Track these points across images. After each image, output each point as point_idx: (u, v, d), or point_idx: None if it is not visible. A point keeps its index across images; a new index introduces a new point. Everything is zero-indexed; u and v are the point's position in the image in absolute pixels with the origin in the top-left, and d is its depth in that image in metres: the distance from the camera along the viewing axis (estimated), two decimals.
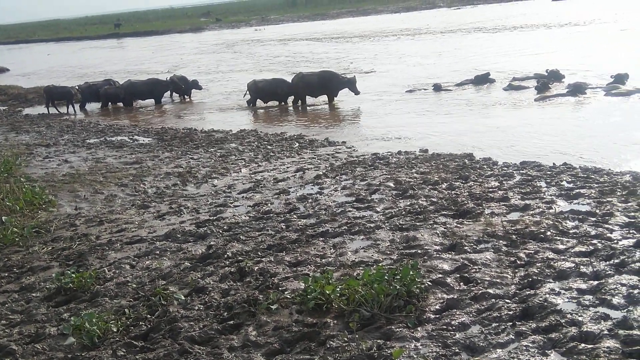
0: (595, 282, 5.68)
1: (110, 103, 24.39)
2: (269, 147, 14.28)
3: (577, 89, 17.11)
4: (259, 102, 21.35)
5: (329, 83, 20.41)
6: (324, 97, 20.88)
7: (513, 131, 13.65)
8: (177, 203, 10.11)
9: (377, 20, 63.82)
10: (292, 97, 21.21)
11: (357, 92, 20.07)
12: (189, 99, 24.95)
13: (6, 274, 7.54)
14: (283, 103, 21.35)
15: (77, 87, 24.51)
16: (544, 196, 8.59)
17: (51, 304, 6.53)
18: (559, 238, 6.90)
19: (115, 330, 5.63)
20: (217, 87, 26.56)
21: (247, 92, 21.43)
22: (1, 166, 12.66)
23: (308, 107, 20.47)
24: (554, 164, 10.40)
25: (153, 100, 24.14)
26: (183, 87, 24.59)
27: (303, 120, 18.37)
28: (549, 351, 4.65)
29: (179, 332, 5.50)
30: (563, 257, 6.38)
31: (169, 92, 24.98)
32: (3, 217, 9.28)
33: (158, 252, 7.76)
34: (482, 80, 20.91)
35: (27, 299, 6.71)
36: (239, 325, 5.57)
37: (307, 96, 20.94)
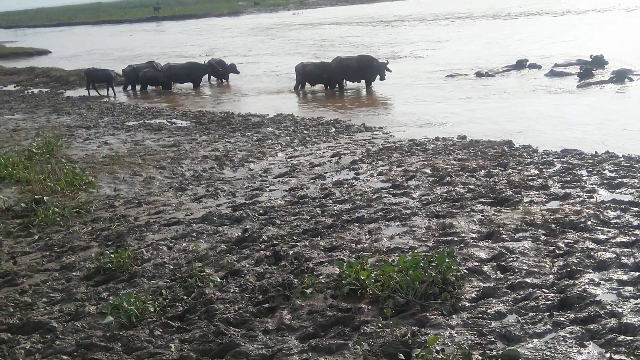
0: (637, 274, 5.55)
1: (149, 86, 24.66)
2: (305, 131, 14.28)
3: (621, 76, 16.69)
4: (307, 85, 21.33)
5: (368, 67, 20.30)
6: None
7: (554, 118, 13.40)
8: (213, 186, 10.19)
9: (418, 4, 63.04)
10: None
11: (383, 78, 19.95)
12: (226, 83, 25.07)
13: (47, 253, 7.70)
14: (329, 87, 21.31)
15: (121, 70, 24.85)
16: (585, 185, 8.43)
17: (90, 283, 6.66)
18: (599, 228, 6.76)
19: (152, 310, 5.71)
20: (254, 71, 26.59)
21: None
22: (43, 147, 12.93)
23: (347, 92, 20.38)
24: (595, 152, 10.18)
25: (191, 83, 24.31)
26: (221, 70, 24.69)
27: (340, 104, 18.31)
28: (587, 342, 4.57)
29: (214, 314, 5.55)
30: (603, 247, 6.25)
31: (207, 75, 25.13)
32: (45, 197, 9.47)
33: (195, 235, 7.84)
34: (523, 65, 20.55)
35: (68, 278, 6.85)
36: (274, 308, 5.60)
37: (346, 80, 20.88)
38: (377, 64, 20.28)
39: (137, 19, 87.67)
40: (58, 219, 8.86)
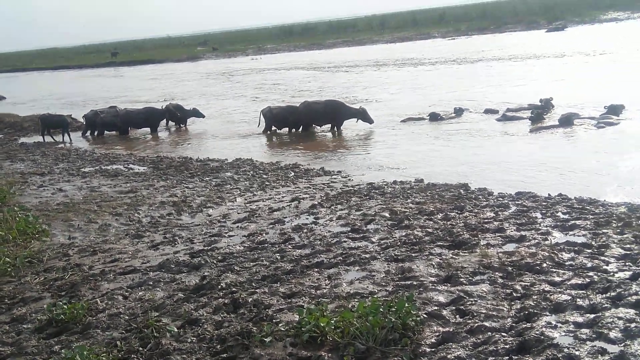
0: (592, 315, 5.63)
1: (107, 131, 24.42)
2: (264, 176, 14.27)
3: (567, 121, 17.17)
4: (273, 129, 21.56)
5: (335, 112, 20.60)
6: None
7: (508, 162, 13.69)
8: (171, 233, 10.05)
9: (373, 50, 64.39)
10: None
11: (371, 121, 20.30)
12: (184, 127, 25.01)
13: None
14: (295, 130, 21.48)
15: (83, 116, 24.61)
16: (540, 227, 8.57)
17: (42, 336, 6.43)
18: (555, 270, 6.86)
19: None
20: (214, 116, 26.60)
21: (262, 119, 21.54)
22: None
23: (305, 136, 20.53)
24: (549, 194, 10.41)
25: (149, 128, 24.18)
26: (179, 115, 24.67)
27: (299, 148, 18.40)
28: None
29: None
30: (559, 289, 6.33)
31: (165, 120, 25.05)
32: None
33: (151, 283, 7.68)
34: (461, 111, 21.15)
35: (18, 331, 6.62)
36: (233, 358, 5.49)
37: (312, 124, 21.12)
38: (345, 109, 20.65)
39: (95, 64, 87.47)
40: (9, 269, 8.58)
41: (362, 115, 20.42)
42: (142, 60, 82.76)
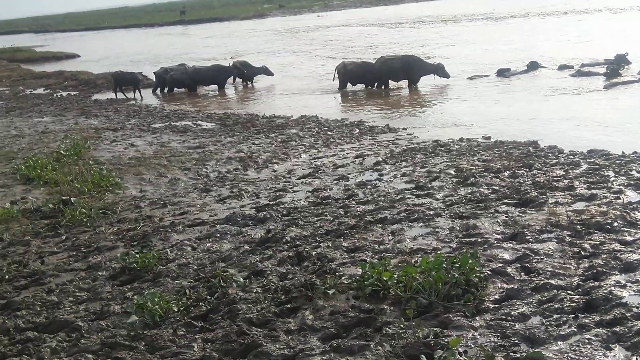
0: None
1: (176, 88, 24.89)
2: (329, 133, 14.29)
3: None
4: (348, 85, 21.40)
5: (413, 68, 20.30)
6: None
7: (581, 119, 13.23)
8: (237, 187, 10.24)
9: (440, 5, 62.76)
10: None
11: (448, 76, 20.08)
12: (251, 85, 25.20)
13: (74, 253, 7.80)
14: (370, 87, 21.32)
15: (153, 73, 25.14)
16: (612, 186, 8.29)
17: (116, 283, 6.73)
18: (626, 229, 6.65)
19: (176, 310, 5.76)
20: (280, 73, 26.67)
21: (336, 76, 21.38)
22: (71, 149, 13.11)
23: (376, 93, 20.38)
24: (623, 152, 10.02)
25: (217, 86, 24.49)
26: (246, 72, 24.83)
27: (366, 105, 18.28)
28: (613, 345, 4.50)
29: (237, 314, 5.58)
30: (630, 248, 6.15)
31: (232, 77, 25.29)
32: (72, 198, 9.60)
33: (219, 235, 7.89)
34: (536, 66, 20.40)
35: (94, 278, 6.94)
36: (296, 308, 5.61)
37: (389, 80, 20.86)
38: (421, 65, 20.33)
39: (164, 23, 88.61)
40: (85, 219, 8.97)
41: (440, 70, 20.09)
42: (209, 18, 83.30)
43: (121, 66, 30.64)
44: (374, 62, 21.41)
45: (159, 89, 25.24)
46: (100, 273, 7.04)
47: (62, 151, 12.97)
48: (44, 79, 32.92)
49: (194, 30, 69.99)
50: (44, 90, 28.65)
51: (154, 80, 25.43)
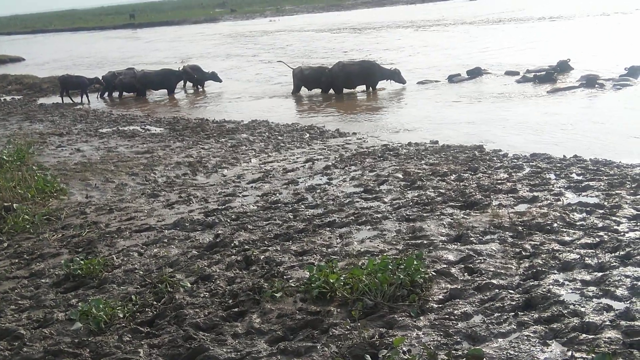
0: (600, 274, 5.67)
1: (125, 92, 24.55)
2: (279, 137, 14.31)
3: (589, 82, 16.97)
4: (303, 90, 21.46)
5: (371, 73, 20.43)
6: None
7: (525, 123, 13.59)
8: (186, 192, 10.17)
9: (393, 11, 63.57)
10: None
11: (404, 82, 20.29)
12: (202, 89, 25.02)
13: (17, 260, 7.63)
14: (326, 92, 21.37)
15: (100, 77, 24.67)
16: (553, 188, 8.55)
17: (60, 290, 6.61)
18: (565, 230, 6.87)
19: (121, 316, 5.69)
20: (231, 78, 26.56)
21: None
22: (14, 155, 12.78)
23: (326, 98, 20.48)
24: (564, 156, 10.35)
25: (166, 90, 24.24)
26: (196, 77, 24.65)
27: (315, 110, 18.37)
28: (550, 341, 4.65)
29: (184, 319, 5.55)
30: (569, 248, 6.36)
31: (182, 82, 25.07)
32: (15, 205, 9.38)
33: (166, 240, 7.82)
34: (479, 72, 20.90)
35: (37, 285, 6.80)
36: (244, 312, 5.62)
37: (347, 86, 20.90)
38: (379, 70, 20.51)
39: (113, 26, 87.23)
40: (28, 226, 8.78)
41: (396, 76, 20.31)
42: (160, 22, 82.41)
43: (67, 70, 30.00)
44: (329, 67, 21.47)
45: (106, 94, 24.84)
46: (43, 280, 6.91)
47: (4, 156, 12.61)
48: None
49: (143, 34, 69.09)
50: None
51: (102, 84, 24.99)
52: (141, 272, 6.81)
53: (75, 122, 18.79)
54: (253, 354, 4.90)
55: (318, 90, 21.35)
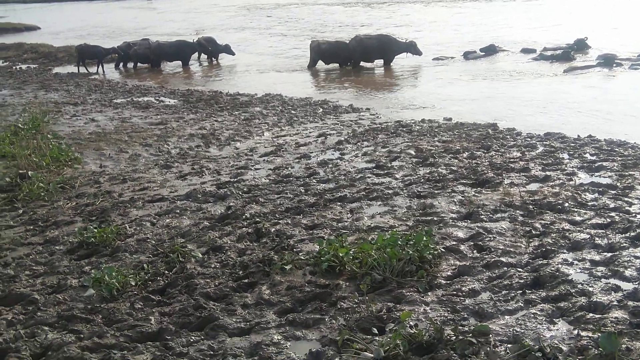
0: (609, 254, 5.68)
1: (139, 63, 24.56)
2: (292, 111, 14.30)
3: (607, 61, 16.78)
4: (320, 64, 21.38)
5: (388, 47, 20.37)
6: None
7: (540, 101, 13.50)
8: (199, 164, 10.22)
9: None
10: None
11: (420, 53, 20.31)
12: (216, 62, 24.98)
13: (31, 227, 7.73)
14: (344, 66, 21.32)
15: (116, 47, 24.67)
16: (566, 168, 8.53)
17: (73, 257, 6.70)
18: (576, 209, 6.87)
19: (133, 284, 5.77)
20: (244, 51, 26.49)
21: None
22: (30, 123, 12.88)
23: (346, 72, 20.40)
24: (578, 136, 10.29)
25: (180, 62, 24.23)
26: (210, 49, 24.59)
27: (330, 85, 18.31)
28: (557, 319, 4.67)
29: (195, 288, 5.62)
30: (579, 228, 6.36)
31: (197, 54, 25.03)
32: (30, 172, 9.48)
33: (178, 211, 7.89)
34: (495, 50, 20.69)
35: (51, 252, 6.90)
36: (253, 283, 5.68)
37: (364, 60, 20.88)
38: (396, 44, 20.46)
39: None
40: (42, 194, 8.87)
41: (412, 48, 20.30)
42: None
43: (83, 39, 30.01)
44: (347, 41, 21.39)
45: (121, 64, 24.87)
46: (57, 247, 7.00)
47: (20, 125, 12.74)
48: (3, 51, 32.10)
49: (158, 4, 68.81)
50: (2, 63, 28.01)
51: (117, 55, 25.00)
52: (153, 242, 6.88)
53: (90, 92, 18.86)
54: (262, 325, 4.96)
55: (332, 65, 21.25)
